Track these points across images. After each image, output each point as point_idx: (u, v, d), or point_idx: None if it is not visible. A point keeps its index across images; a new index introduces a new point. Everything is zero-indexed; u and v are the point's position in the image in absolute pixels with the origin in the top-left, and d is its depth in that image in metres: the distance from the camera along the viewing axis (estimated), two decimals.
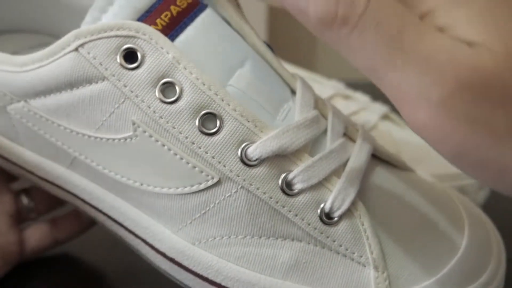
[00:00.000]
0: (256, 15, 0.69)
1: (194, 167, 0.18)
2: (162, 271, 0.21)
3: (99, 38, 0.18)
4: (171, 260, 0.20)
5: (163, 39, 0.18)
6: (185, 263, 0.19)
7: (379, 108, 0.31)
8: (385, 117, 0.32)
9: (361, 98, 0.32)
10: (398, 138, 0.30)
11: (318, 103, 0.20)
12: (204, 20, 0.19)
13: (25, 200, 0.25)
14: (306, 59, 0.79)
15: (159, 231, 0.20)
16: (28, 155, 0.21)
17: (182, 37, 0.19)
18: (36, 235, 0.24)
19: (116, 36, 0.18)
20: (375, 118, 0.30)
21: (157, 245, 0.20)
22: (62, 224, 0.25)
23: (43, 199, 0.25)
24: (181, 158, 0.18)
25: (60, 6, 0.24)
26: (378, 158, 0.21)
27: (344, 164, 0.19)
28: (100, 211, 0.21)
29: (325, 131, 0.20)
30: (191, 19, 0.19)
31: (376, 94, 0.35)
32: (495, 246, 0.20)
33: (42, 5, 0.24)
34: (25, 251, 0.24)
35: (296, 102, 0.20)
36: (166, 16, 0.19)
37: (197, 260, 0.19)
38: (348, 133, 0.20)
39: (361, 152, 0.20)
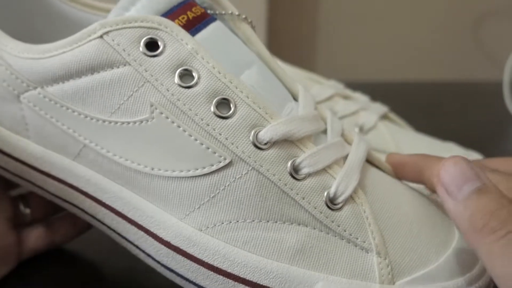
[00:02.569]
0: (257, 15, 0.69)
1: (208, 148, 0.19)
2: (161, 270, 0.20)
3: (124, 28, 0.19)
4: (176, 249, 0.20)
5: (183, 32, 0.20)
6: (190, 251, 0.19)
7: (379, 108, 0.32)
8: (384, 117, 0.33)
9: (361, 98, 0.33)
10: (398, 138, 0.31)
11: (318, 107, 0.22)
12: (215, 27, 0.21)
13: (21, 207, 0.25)
14: (306, 59, 0.81)
15: (165, 219, 0.20)
16: (33, 148, 0.22)
17: (196, 37, 0.20)
18: (33, 237, 0.25)
19: (140, 27, 0.19)
20: (374, 118, 0.31)
21: (161, 234, 0.20)
22: (58, 226, 0.25)
23: (39, 206, 0.25)
24: (195, 139, 0.19)
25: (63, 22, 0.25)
26: (370, 164, 0.22)
27: (344, 158, 0.21)
28: (103, 204, 0.21)
29: (324, 131, 0.21)
30: (204, 25, 0.21)
31: (376, 94, 0.36)
32: None
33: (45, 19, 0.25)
34: (23, 253, 0.24)
35: (299, 102, 0.21)
36: (183, 18, 0.20)
37: (203, 246, 0.19)
38: (344, 137, 0.22)
39: (358, 149, 0.21)
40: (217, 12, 0.23)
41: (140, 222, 0.20)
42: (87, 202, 0.22)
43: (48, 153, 0.22)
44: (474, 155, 0.32)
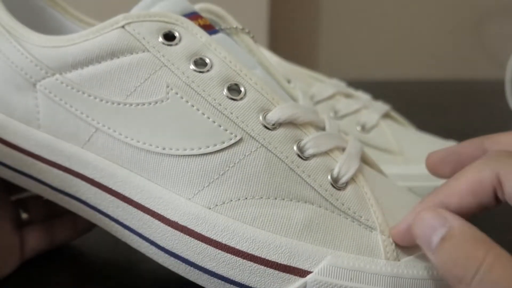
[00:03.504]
0: (258, 15, 0.69)
1: (219, 126, 0.20)
2: (164, 260, 0.20)
3: (145, 21, 0.21)
4: (183, 229, 0.20)
5: (197, 28, 0.22)
6: (198, 229, 0.19)
7: (381, 107, 0.33)
8: (386, 115, 0.33)
9: (363, 96, 0.34)
10: (399, 136, 0.31)
11: (315, 111, 0.23)
12: (221, 37, 0.23)
13: (20, 211, 0.25)
14: (307, 58, 0.80)
15: (173, 199, 0.20)
16: (42, 137, 0.22)
17: None
18: (34, 238, 0.24)
19: (159, 21, 0.21)
20: (376, 116, 0.31)
21: (169, 214, 0.20)
22: (58, 227, 0.25)
23: (37, 210, 0.25)
24: (208, 118, 0.20)
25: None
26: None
27: (343, 149, 0.22)
28: (109, 190, 0.21)
29: (323, 128, 0.22)
30: (212, 33, 0.23)
31: (377, 93, 0.37)
32: None
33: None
34: (25, 254, 0.24)
35: (300, 101, 0.23)
36: (194, 23, 0.22)
37: (212, 223, 0.19)
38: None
39: (355, 143, 0.23)
40: (222, 27, 0.25)
41: (147, 205, 0.20)
42: (92, 190, 0.22)
43: (57, 141, 0.22)
44: None
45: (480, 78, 0.69)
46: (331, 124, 0.23)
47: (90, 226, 0.26)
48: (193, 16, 0.23)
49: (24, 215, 0.25)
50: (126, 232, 0.22)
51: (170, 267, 0.21)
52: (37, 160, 0.22)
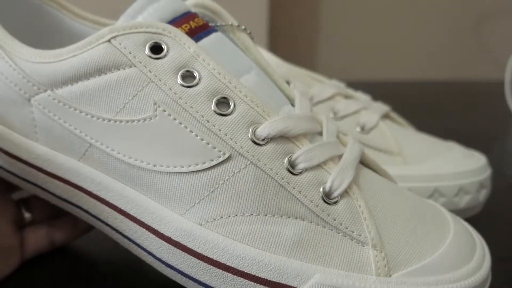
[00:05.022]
0: (257, 15, 0.69)
1: (208, 144, 0.20)
2: (162, 269, 0.21)
3: (130, 33, 0.21)
4: (176, 244, 0.20)
5: (185, 37, 0.21)
6: (190, 245, 0.20)
7: (380, 108, 0.32)
8: (386, 116, 0.33)
9: (362, 97, 0.33)
10: (399, 137, 0.31)
11: (313, 111, 0.23)
12: (216, 37, 0.22)
13: (23, 210, 0.26)
14: (307, 59, 0.81)
15: (166, 214, 0.20)
16: (41, 150, 0.23)
17: (199, 44, 0.21)
18: (34, 238, 0.25)
19: (145, 32, 0.21)
20: (376, 117, 0.31)
21: (162, 229, 0.20)
22: (58, 228, 0.26)
23: (40, 210, 0.26)
24: (196, 135, 0.20)
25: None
26: (365, 166, 0.23)
27: (339, 157, 0.21)
28: (106, 203, 0.22)
29: (320, 133, 0.22)
30: (206, 34, 0.22)
31: (377, 94, 0.36)
32: (476, 239, 0.22)
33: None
34: (25, 254, 0.25)
35: (296, 105, 0.22)
36: (186, 27, 0.22)
37: (203, 240, 0.20)
38: (339, 139, 0.23)
39: (353, 149, 0.22)
40: (218, 24, 0.24)
41: (142, 219, 0.21)
42: (91, 201, 0.22)
43: (55, 155, 0.23)
44: (475, 155, 0.32)
45: (480, 79, 0.67)
46: (329, 127, 0.22)
47: (90, 227, 0.26)
48: (186, 16, 0.22)
49: (27, 215, 0.26)
50: (126, 240, 0.22)
51: (168, 275, 0.21)
52: (39, 171, 0.23)
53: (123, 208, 0.21)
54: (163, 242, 0.21)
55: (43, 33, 0.27)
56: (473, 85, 0.63)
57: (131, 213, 0.21)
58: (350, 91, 0.33)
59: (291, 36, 0.79)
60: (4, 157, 0.24)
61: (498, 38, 0.79)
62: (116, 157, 0.21)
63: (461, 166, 0.29)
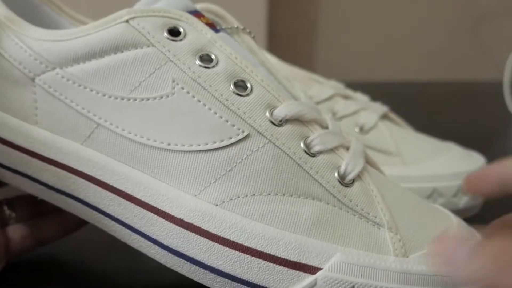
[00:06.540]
0: (256, 16, 0.69)
1: (227, 121, 0.20)
2: (167, 260, 0.20)
3: (149, 15, 0.21)
4: (189, 226, 0.19)
5: (202, 24, 0.21)
6: (205, 226, 0.19)
7: (379, 108, 0.33)
8: (384, 116, 0.33)
9: (361, 98, 0.34)
10: (398, 137, 0.31)
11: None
12: (223, 36, 0.23)
13: (7, 211, 0.24)
14: (306, 59, 0.80)
15: (179, 195, 0.19)
16: (40, 133, 0.21)
17: None
18: (18, 237, 0.23)
19: (163, 16, 0.21)
20: (375, 118, 0.31)
21: (174, 212, 0.19)
22: (45, 225, 0.24)
23: (24, 209, 0.24)
24: (215, 113, 0.20)
25: None
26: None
27: (347, 148, 0.22)
28: (110, 188, 0.20)
29: (326, 127, 0.22)
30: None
31: (376, 94, 0.37)
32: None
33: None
34: (10, 253, 0.23)
35: (302, 100, 0.22)
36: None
37: (219, 220, 0.19)
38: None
39: (358, 143, 0.23)
40: (223, 27, 0.25)
41: (151, 203, 0.20)
42: (91, 188, 0.21)
43: (55, 138, 0.21)
44: (474, 155, 0.32)
45: (478, 79, 0.68)
46: (333, 124, 0.23)
47: (80, 223, 0.25)
48: (195, 14, 0.23)
49: (9, 212, 0.24)
50: (127, 231, 0.21)
51: (174, 267, 0.20)
52: (34, 157, 0.22)
53: (129, 192, 0.20)
54: (174, 226, 0.19)
55: None
56: (471, 85, 0.64)
57: (138, 196, 0.20)
58: (349, 92, 0.34)
59: (289, 37, 0.79)
60: None
61: (497, 38, 0.80)
62: (127, 137, 0.20)
63: (460, 167, 0.30)
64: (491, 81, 0.60)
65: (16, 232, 0.24)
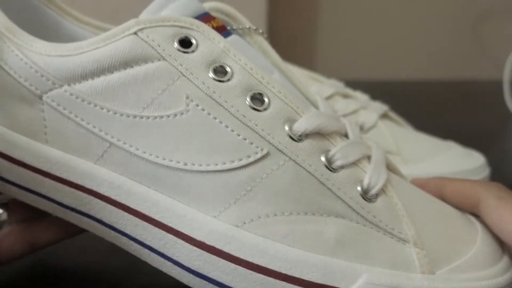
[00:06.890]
0: (256, 15, 0.68)
1: (245, 139, 0.19)
2: (189, 280, 0.19)
3: (158, 26, 0.20)
4: (210, 249, 0.19)
5: (214, 32, 0.20)
6: (226, 249, 0.18)
7: (379, 107, 0.32)
8: (384, 115, 0.33)
9: (361, 97, 0.33)
10: (398, 136, 0.31)
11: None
12: (235, 39, 0.22)
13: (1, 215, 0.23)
14: (306, 58, 0.79)
15: (198, 217, 0.19)
16: (51, 153, 0.21)
17: None
18: (9, 242, 0.23)
19: (173, 25, 0.20)
20: (374, 117, 0.31)
21: (194, 234, 0.19)
22: (39, 230, 0.24)
23: (17, 211, 0.24)
24: (232, 130, 0.19)
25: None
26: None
27: (368, 157, 0.21)
28: (126, 208, 0.20)
29: (345, 135, 0.22)
30: (225, 36, 0.21)
31: (376, 93, 0.37)
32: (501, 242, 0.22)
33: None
34: (1, 257, 0.23)
35: (320, 107, 0.22)
36: (208, 25, 0.21)
37: (240, 243, 0.18)
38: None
39: (379, 150, 0.22)
40: (234, 27, 0.23)
41: (169, 224, 0.19)
42: (107, 208, 0.20)
43: (68, 157, 0.21)
44: (474, 154, 0.32)
45: (478, 78, 0.69)
46: (353, 129, 0.22)
47: (77, 231, 0.24)
48: (205, 17, 0.22)
49: (4, 216, 0.24)
50: (146, 251, 0.20)
51: (196, 287, 0.20)
52: (46, 177, 0.21)
53: (146, 213, 0.20)
54: (194, 248, 0.19)
55: (40, 35, 0.25)
56: (471, 84, 0.64)
57: (156, 218, 0.20)
58: (349, 91, 0.33)
59: (289, 36, 0.78)
60: (3, 162, 0.21)
61: (496, 38, 0.79)
62: (141, 156, 0.20)
63: (460, 166, 0.30)
64: (491, 80, 0.59)
65: (7, 236, 0.23)
